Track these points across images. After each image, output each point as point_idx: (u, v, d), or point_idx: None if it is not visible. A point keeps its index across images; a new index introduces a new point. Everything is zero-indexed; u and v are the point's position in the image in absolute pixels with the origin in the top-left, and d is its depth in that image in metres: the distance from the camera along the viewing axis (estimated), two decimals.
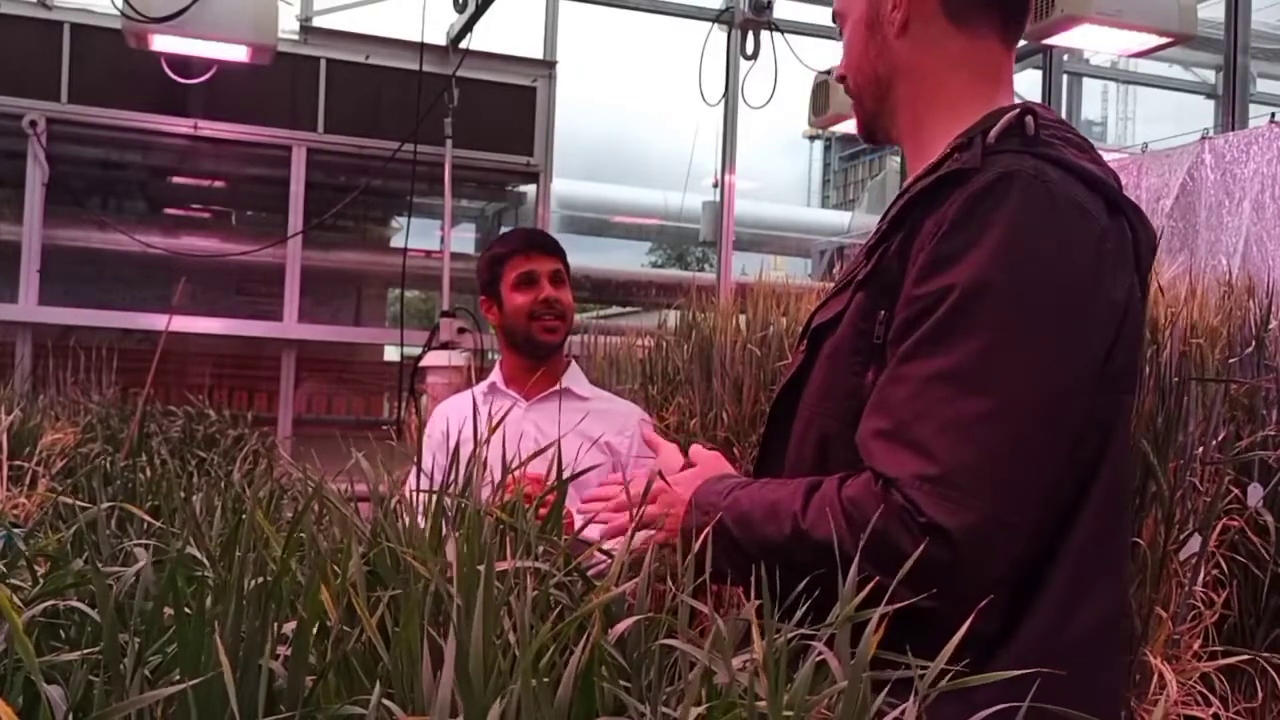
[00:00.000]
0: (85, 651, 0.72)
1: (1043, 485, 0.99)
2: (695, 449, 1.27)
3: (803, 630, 0.70)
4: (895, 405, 0.99)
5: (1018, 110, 1.05)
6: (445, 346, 4.68)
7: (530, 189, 6.09)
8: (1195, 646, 1.78)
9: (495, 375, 2.31)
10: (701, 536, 0.85)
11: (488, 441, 1.08)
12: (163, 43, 4.13)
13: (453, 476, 1.03)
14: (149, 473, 1.56)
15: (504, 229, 6.61)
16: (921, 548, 0.90)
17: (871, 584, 0.74)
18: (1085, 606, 1.03)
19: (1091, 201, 1.02)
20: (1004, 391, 0.96)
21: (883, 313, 1.05)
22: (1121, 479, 1.10)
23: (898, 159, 8.55)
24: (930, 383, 0.97)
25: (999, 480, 0.95)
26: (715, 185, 6.36)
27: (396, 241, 6.40)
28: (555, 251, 2.29)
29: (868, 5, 1.18)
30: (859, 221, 11.76)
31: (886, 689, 0.65)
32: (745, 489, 1.10)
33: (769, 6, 5.56)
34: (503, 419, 1.20)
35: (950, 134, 1.09)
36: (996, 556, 0.96)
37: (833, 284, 1.23)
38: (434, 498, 0.96)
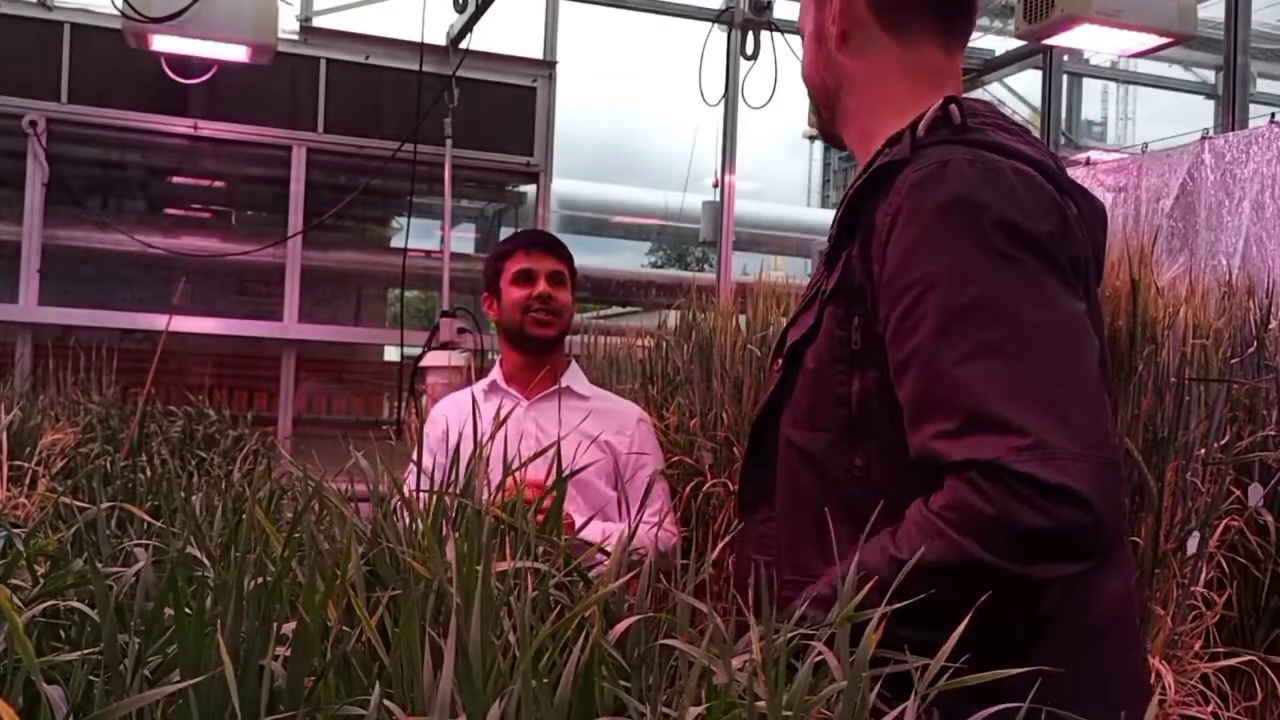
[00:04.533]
0: (85, 651, 0.72)
1: (1105, 414, 0.98)
2: None
3: (802, 630, 0.70)
4: (947, 401, 0.95)
5: (941, 101, 1.06)
6: (445, 346, 4.67)
7: (530, 189, 6.08)
8: (1195, 647, 1.78)
9: (495, 373, 2.31)
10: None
11: (490, 440, 1.08)
12: (163, 43, 4.12)
13: (453, 476, 1.03)
14: (149, 473, 1.56)
15: (504, 229, 6.63)
16: (1056, 516, 0.88)
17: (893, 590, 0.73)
18: (1109, 581, 1.02)
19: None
20: (1033, 346, 0.95)
21: (858, 319, 1.05)
22: None
23: None
24: (964, 367, 0.95)
25: (1079, 426, 0.93)
26: (715, 185, 6.36)
27: (396, 241, 6.40)
28: (557, 252, 2.30)
29: (815, 19, 1.22)
30: None
31: (879, 685, 0.65)
32: (810, 586, 0.97)
33: (769, 6, 5.55)
34: (507, 417, 1.20)
35: None
36: (1120, 493, 0.95)
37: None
38: (434, 497, 0.96)
